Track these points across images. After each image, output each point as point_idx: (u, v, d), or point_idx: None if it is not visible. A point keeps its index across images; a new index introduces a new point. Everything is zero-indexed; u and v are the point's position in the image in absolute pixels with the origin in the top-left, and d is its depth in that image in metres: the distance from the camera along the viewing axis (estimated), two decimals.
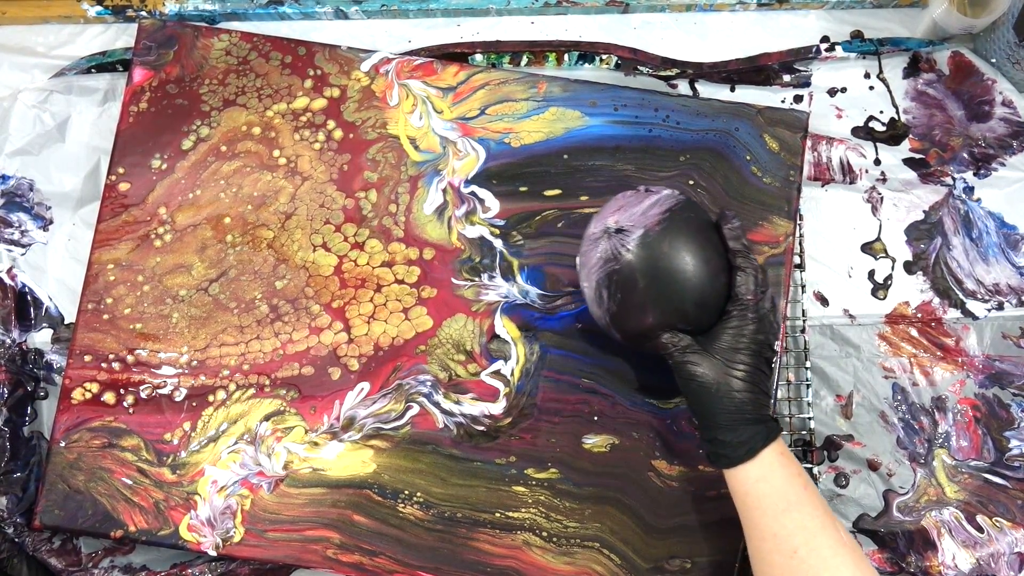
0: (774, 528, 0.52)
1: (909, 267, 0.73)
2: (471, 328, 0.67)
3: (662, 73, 0.74)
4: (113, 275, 0.68)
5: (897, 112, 0.75)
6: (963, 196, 0.74)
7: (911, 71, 0.76)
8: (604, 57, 0.74)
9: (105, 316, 0.67)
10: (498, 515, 0.65)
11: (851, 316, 0.72)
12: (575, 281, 0.67)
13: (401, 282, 0.67)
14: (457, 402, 0.66)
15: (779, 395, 0.68)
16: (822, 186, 0.74)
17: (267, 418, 0.66)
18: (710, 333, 0.55)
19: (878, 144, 0.75)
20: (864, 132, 0.75)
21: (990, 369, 0.71)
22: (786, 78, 0.75)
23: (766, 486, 0.53)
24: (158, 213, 0.68)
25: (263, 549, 0.64)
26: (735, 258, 0.56)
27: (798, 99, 0.75)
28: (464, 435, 0.65)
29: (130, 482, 0.65)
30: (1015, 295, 0.72)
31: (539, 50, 0.74)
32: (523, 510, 0.65)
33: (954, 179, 0.74)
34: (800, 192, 0.68)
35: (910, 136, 0.75)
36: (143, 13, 0.73)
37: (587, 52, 0.74)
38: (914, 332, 0.72)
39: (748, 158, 0.68)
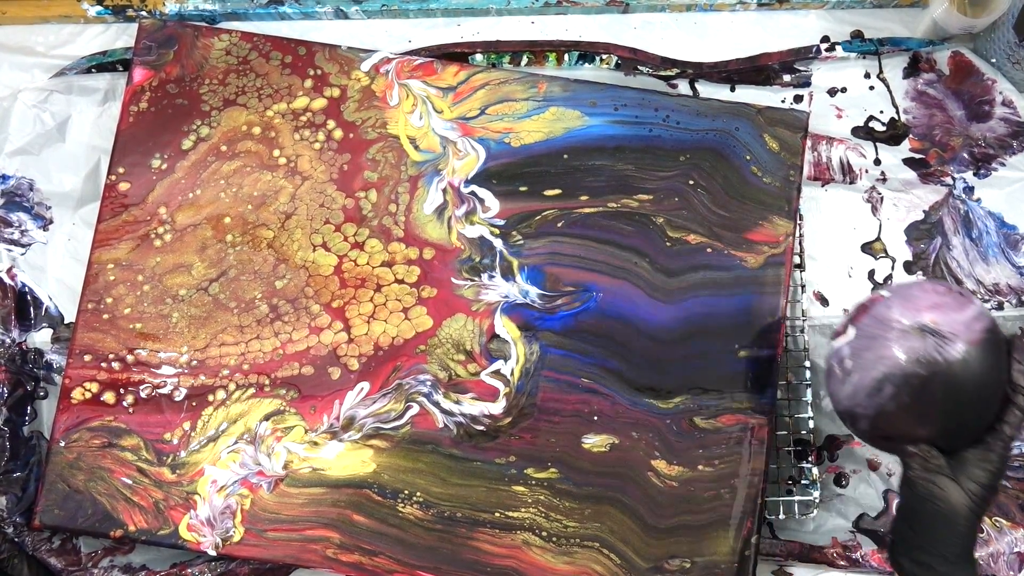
0: None
1: (909, 267, 0.73)
2: (471, 328, 0.67)
3: (662, 73, 0.74)
4: (113, 275, 0.68)
5: (897, 112, 0.75)
6: (963, 196, 0.74)
7: (911, 71, 0.76)
8: (604, 57, 0.74)
9: (105, 316, 0.67)
10: (498, 515, 0.65)
11: None
12: (575, 281, 0.67)
13: (401, 282, 0.67)
14: (457, 402, 0.66)
15: (779, 395, 0.68)
16: (822, 186, 0.74)
17: (267, 418, 0.66)
18: (960, 457, 0.50)
19: (878, 144, 0.75)
20: (864, 132, 0.75)
21: None
22: (786, 78, 0.75)
23: None
24: (158, 213, 0.68)
25: (263, 549, 0.64)
26: (1014, 393, 0.50)
27: (798, 99, 0.75)
28: (464, 435, 0.65)
29: (130, 482, 0.65)
30: (1015, 295, 0.72)
31: (539, 50, 0.74)
32: (523, 510, 0.65)
33: (954, 179, 0.74)
34: (800, 192, 0.68)
35: (910, 136, 0.75)
36: (143, 13, 0.73)
37: (587, 52, 0.74)
38: None
39: (748, 158, 0.68)
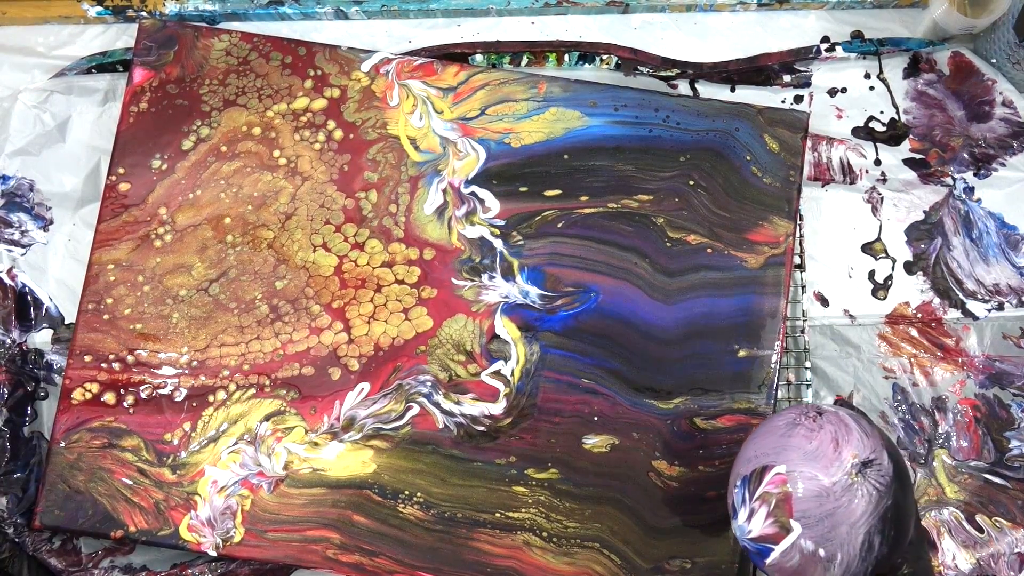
0: None
1: (909, 267, 0.73)
2: (471, 328, 0.67)
3: (662, 73, 0.74)
4: (113, 275, 0.68)
5: (897, 112, 0.75)
6: (963, 196, 0.74)
7: (911, 71, 0.76)
8: (604, 57, 0.74)
9: (105, 316, 0.67)
10: (498, 515, 0.65)
11: (851, 316, 0.72)
12: (575, 281, 0.67)
13: (401, 282, 0.67)
14: (457, 402, 0.66)
15: (780, 395, 0.68)
16: (822, 186, 0.74)
17: (267, 418, 0.66)
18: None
19: (878, 144, 0.74)
20: (864, 132, 0.75)
21: (990, 369, 0.71)
22: (786, 78, 0.75)
23: None
24: (158, 213, 0.68)
25: (263, 549, 0.64)
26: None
27: (798, 99, 0.75)
28: (464, 435, 0.65)
29: (130, 482, 0.65)
30: (1015, 295, 0.72)
31: (539, 50, 0.74)
32: (523, 510, 0.65)
33: (954, 179, 0.74)
34: (800, 192, 0.68)
35: (910, 136, 0.75)
36: (143, 13, 0.73)
37: (587, 52, 0.74)
38: (914, 332, 0.72)
39: (748, 158, 0.68)
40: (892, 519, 0.47)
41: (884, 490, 0.47)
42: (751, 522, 0.49)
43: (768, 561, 0.49)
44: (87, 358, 0.67)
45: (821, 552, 0.47)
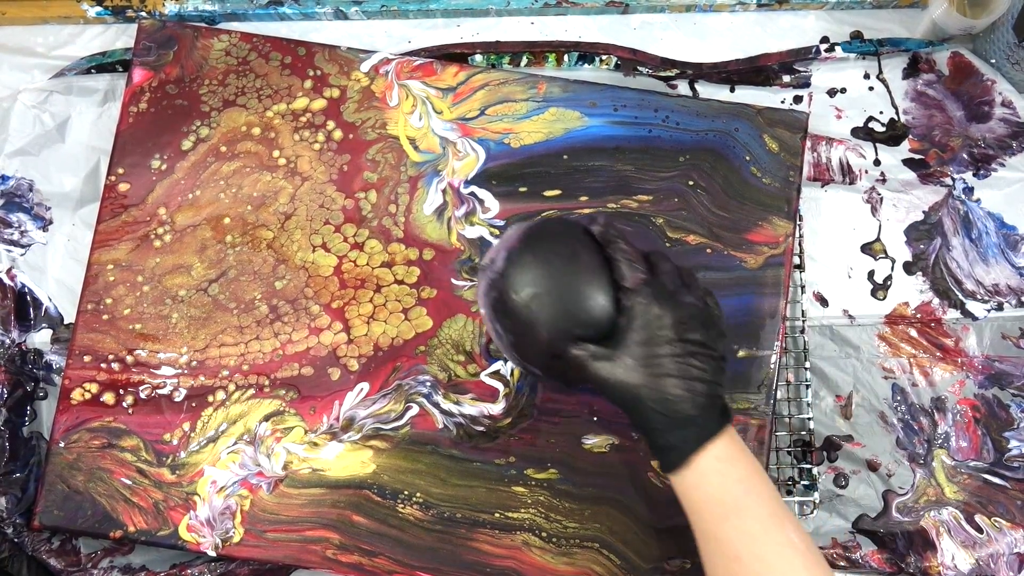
0: (715, 533, 0.50)
1: (909, 268, 0.73)
2: (471, 329, 0.67)
3: (662, 73, 0.74)
4: (113, 275, 0.68)
5: (897, 112, 0.75)
6: (963, 196, 0.74)
7: (911, 72, 0.76)
8: (604, 58, 0.74)
9: (105, 316, 0.67)
10: (498, 515, 0.65)
11: (851, 316, 0.72)
12: None
13: (401, 282, 0.67)
14: (457, 402, 0.66)
15: (779, 395, 0.68)
16: (822, 186, 0.74)
17: (267, 418, 0.66)
18: (613, 334, 0.51)
19: (878, 144, 0.75)
20: (864, 132, 0.75)
21: (989, 370, 0.71)
22: (786, 78, 0.75)
23: (702, 493, 0.50)
24: (158, 213, 0.68)
25: (263, 549, 0.64)
26: (608, 251, 0.53)
27: (798, 99, 0.75)
28: (464, 435, 0.65)
29: (129, 482, 0.65)
30: (1015, 296, 0.72)
31: (539, 50, 0.74)
32: (523, 510, 0.65)
33: (954, 179, 0.74)
34: (800, 192, 0.68)
35: (910, 137, 0.75)
36: (143, 13, 0.73)
37: (587, 52, 0.74)
38: (914, 333, 0.72)
39: (748, 158, 0.68)
40: (501, 311, 0.54)
41: (489, 286, 0.55)
42: None
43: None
44: (86, 358, 0.67)
45: (489, 330, 0.57)
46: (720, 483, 0.49)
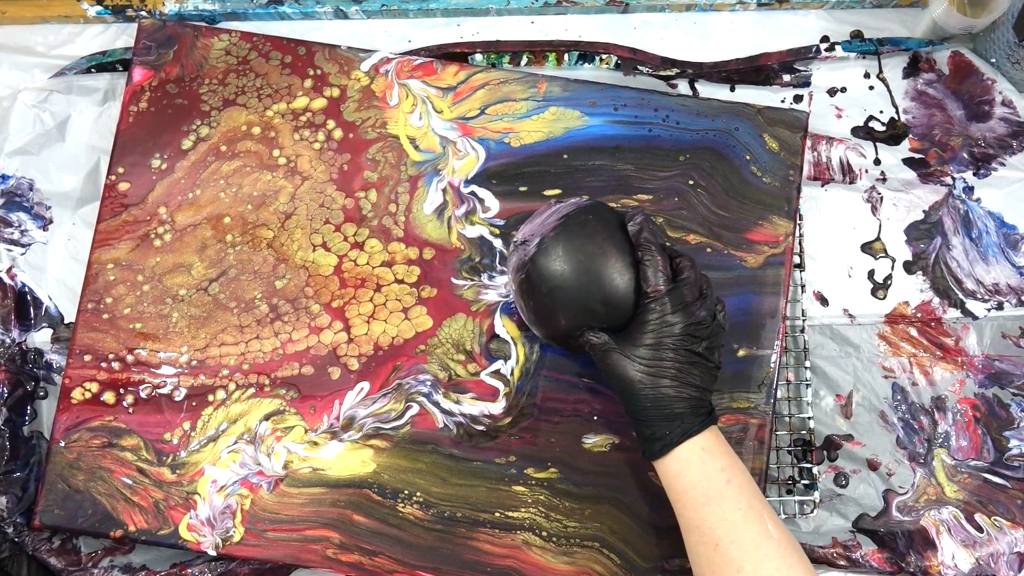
0: (696, 521, 0.53)
1: (909, 267, 0.73)
2: (471, 328, 0.67)
3: (662, 73, 0.74)
4: (113, 275, 0.68)
5: (897, 112, 0.75)
6: (963, 196, 0.74)
7: (911, 71, 0.76)
8: (604, 57, 0.74)
9: (105, 316, 0.67)
10: (498, 515, 0.65)
11: (851, 316, 0.72)
12: None
13: (401, 282, 0.67)
14: (457, 402, 0.66)
15: (779, 395, 0.68)
16: (822, 186, 0.74)
17: (267, 418, 0.66)
18: (627, 329, 0.56)
19: (878, 144, 0.75)
20: (864, 132, 0.75)
21: (990, 369, 0.71)
22: (786, 78, 0.75)
23: (684, 480, 0.54)
24: (158, 213, 0.68)
25: (263, 549, 0.64)
26: (638, 253, 0.56)
27: (798, 99, 0.75)
28: (464, 435, 0.65)
29: (130, 482, 0.65)
30: (1015, 295, 0.72)
31: (539, 50, 0.74)
32: (523, 510, 0.65)
33: (954, 179, 0.74)
34: (800, 192, 0.68)
35: (910, 136, 0.75)
36: (143, 13, 0.73)
37: (587, 52, 0.74)
38: (914, 332, 0.72)
39: (748, 158, 0.68)
40: (527, 291, 0.58)
41: (519, 266, 0.58)
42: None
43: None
44: (87, 357, 0.67)
45: (512, 295, 0.62)
46: (702, 471, 0.53)
